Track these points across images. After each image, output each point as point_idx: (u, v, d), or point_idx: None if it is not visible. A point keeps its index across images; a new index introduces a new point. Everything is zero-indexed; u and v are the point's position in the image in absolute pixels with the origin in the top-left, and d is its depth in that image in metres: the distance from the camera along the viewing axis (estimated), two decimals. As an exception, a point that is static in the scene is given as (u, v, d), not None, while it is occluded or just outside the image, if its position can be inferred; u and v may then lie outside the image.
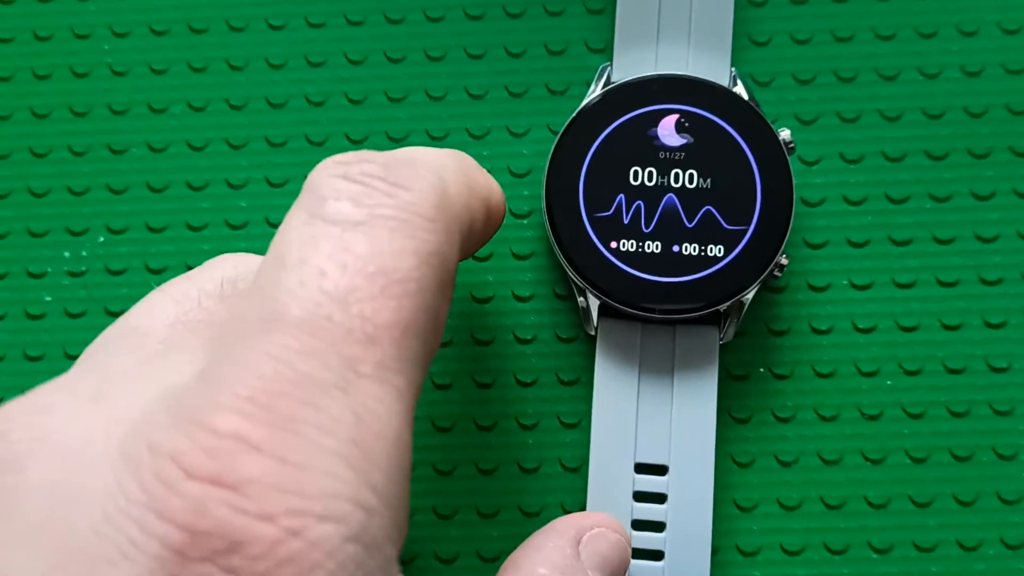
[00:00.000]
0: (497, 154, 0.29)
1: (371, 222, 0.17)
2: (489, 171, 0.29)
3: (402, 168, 0.18)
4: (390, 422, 0.15)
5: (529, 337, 0.28)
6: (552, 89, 0.29)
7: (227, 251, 0.29)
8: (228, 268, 0.20)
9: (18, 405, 0.16)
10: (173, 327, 0.18)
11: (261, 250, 0.29)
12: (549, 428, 0.28)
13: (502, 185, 0.29)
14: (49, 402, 0.16)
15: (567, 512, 0.27)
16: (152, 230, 0.29)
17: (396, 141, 0.29)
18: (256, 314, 0.16)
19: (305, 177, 0.28)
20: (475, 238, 0.21)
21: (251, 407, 0.14)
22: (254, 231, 0.29)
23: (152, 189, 0.29)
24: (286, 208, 0.29)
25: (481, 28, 0.30)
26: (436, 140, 0.29)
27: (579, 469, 0.28)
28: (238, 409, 0.14)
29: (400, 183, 0.18)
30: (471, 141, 0.29)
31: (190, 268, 0.29)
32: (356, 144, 0.29)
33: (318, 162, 0.28)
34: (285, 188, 0.29)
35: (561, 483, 0.28)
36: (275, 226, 0.29)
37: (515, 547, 0.24)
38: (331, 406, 0.15)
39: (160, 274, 0.29)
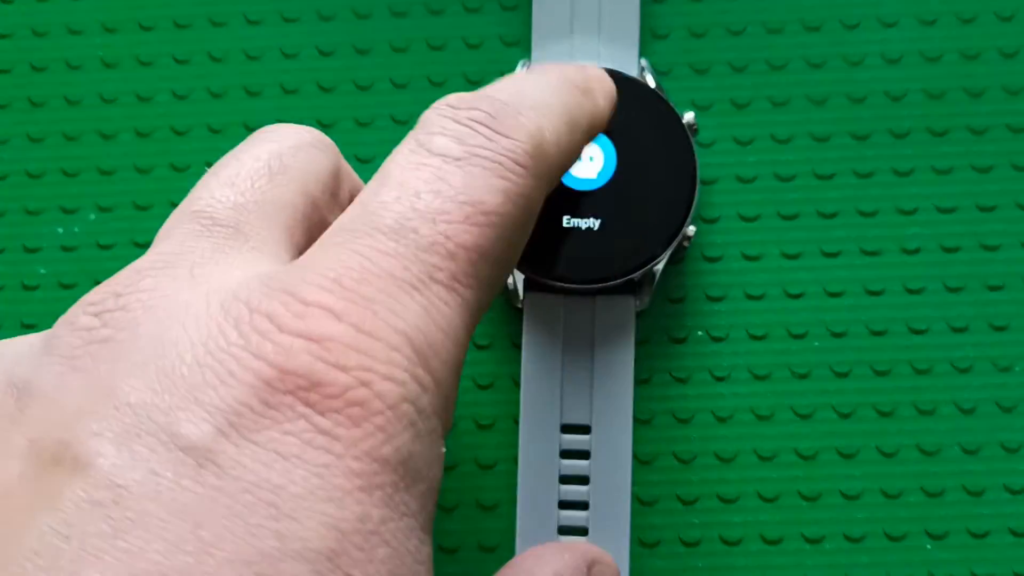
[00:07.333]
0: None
1: (469, 160, 0.19)
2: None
3: (506, 117, 0.20)
4: (452, 321, 0.18)
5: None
6: (470, 79, 0.32)
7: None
8: (272, 145, 0.22)
9: (124, 281, 0.18)
10: (236, 210, 0.20)
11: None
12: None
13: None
14: (153, 279, 0.18)
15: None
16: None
17: (326, 127, 0.32)
18: (353, 221, 0.18)
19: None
20: (575, 154, 0.22)
21: (335, 287, 0.17)
22: (232, 209, 0.31)
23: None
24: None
25: (406, 24, 0.32)
26: (363, 126, 0.32)
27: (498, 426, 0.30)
28: (324, 287, 0.17)
29: (501, 131, 0.19)
30: (395, 126, 0.32)
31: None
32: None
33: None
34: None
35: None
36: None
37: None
38: (404, 298, 0.17)
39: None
